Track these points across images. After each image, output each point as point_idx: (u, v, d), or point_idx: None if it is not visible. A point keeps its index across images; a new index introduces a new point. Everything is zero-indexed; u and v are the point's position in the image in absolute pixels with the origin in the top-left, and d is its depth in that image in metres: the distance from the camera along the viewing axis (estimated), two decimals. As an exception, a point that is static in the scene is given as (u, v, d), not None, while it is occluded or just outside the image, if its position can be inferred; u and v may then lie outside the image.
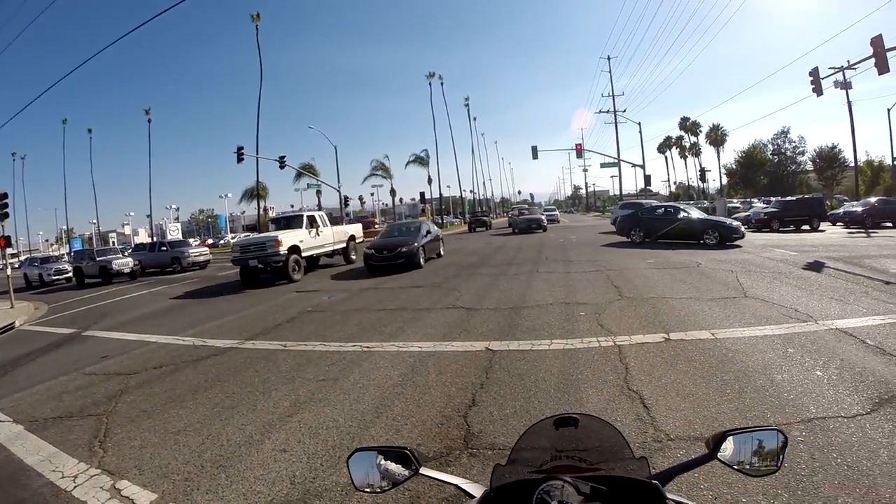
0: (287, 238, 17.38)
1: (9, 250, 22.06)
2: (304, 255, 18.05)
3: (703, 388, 5.04)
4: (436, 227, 22.03)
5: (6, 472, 4.50)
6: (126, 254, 30.95)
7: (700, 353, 6.11)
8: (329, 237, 20.56)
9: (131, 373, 7.26)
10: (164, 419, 5.26)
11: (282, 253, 16.80)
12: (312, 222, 19.56)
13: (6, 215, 18.65)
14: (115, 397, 6.23)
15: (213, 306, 13.51)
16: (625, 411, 4.59)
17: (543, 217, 39.16)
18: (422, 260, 17.85)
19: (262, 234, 20.59)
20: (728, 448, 1.15)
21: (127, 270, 26.01)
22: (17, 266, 39.08)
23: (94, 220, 76.44)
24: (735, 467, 1.13)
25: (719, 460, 1.14)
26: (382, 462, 1.22)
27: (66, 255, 42.05)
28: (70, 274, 28.60)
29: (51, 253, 54.66)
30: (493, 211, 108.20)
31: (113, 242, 70.77)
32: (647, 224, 21.72)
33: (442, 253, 21.24)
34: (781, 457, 1.13)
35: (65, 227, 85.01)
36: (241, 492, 3.66)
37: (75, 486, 4.01)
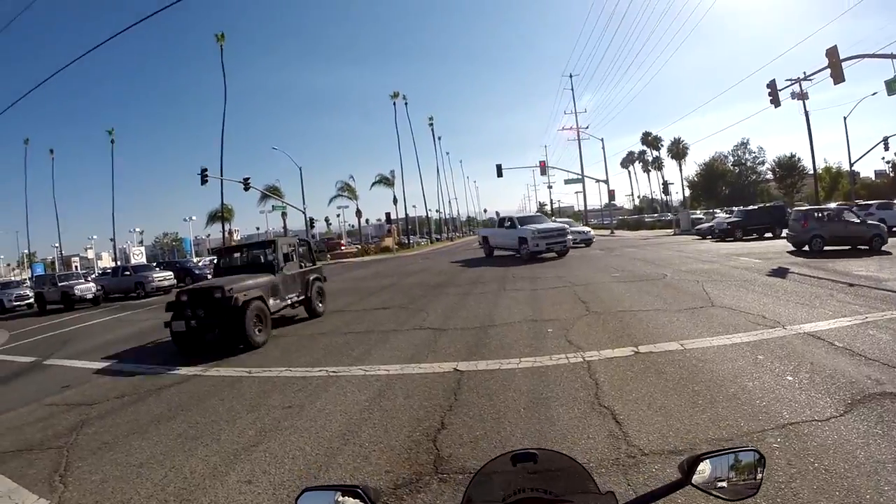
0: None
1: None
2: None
3: (674, 399, 4.93)
4: None
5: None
6: (89, 279, 29.82)
7: (670, 365, 6.02)
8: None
9: (93, 403, 6.92)
10: (127, 451, 5.00)
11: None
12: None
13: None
14: (76, 429, 5.93)
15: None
16: (596, 428, 4.44)
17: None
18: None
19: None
20: (703, 471, 1.06)
21: (90, 296, 24.94)
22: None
23: (57, 244, 73.01)
24: (712, 492, 1.05)
25: (694, 485, 1.05)
26: (336, 502, 1.07)
27: (27, 281, 39.67)
28: (31, 300, 27.53)
29: (12, 278, 51.66)
30: (459, 230, 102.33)
31: (76, 267, 68.30)
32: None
33: None
34: (760, 477, 1.06)
35: (26, 251, 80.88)
36: (205, 526, 3.53)
37: (35, 524, 3.79)
